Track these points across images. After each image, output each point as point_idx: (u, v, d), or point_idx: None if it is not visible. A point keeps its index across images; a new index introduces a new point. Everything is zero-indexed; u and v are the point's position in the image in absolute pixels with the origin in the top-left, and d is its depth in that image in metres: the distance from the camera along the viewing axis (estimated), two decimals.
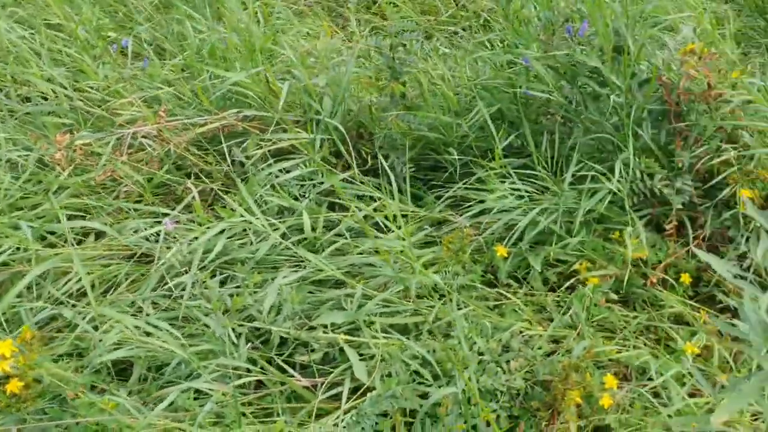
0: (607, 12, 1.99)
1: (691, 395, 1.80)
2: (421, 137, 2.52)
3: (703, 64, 2.02)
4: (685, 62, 2.03)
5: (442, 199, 2.37)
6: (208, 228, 2.15)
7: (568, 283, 2.11)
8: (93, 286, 2.02)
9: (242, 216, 2.09)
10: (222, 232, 2.16)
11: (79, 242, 2.23)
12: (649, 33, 2.17)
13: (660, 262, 2.10)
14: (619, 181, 2.11)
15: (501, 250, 2.06)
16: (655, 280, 2.06)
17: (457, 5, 3.48)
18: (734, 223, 2.12)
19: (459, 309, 1.93)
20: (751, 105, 2.14)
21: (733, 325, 1.32)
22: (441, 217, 2.33)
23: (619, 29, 2.02)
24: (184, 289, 2.03)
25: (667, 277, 2.08)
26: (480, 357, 1.86)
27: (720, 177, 2.09)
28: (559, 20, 2.10)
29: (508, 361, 1.86)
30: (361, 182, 2.42)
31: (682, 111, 2.09)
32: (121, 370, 1.89)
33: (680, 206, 2.13)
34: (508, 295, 2.04)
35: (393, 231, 2.07)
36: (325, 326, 1.89)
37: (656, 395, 1.83)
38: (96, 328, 1.85)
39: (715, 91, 2.04)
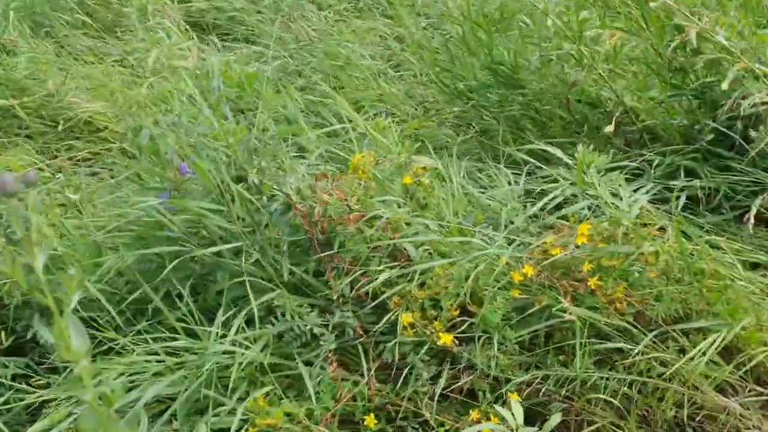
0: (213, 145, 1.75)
1: None
2: None
3: (338, 187, 1.82)
4: (318, 187, 1.82)
5: None
6: None
7: None
8: None
9: None
10: None
11: None
12: (282, 156, 1.95)
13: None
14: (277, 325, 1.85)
15: None
16: None
17: None
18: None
19: None
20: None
21: None
22: None
23: (235, 160, 1.78)
24: None
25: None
26: None
27: (382, 298, 1.88)
28: (174, 159, 1.84)
29: None
30: None
31: (329, 238, 1.88)
32: None
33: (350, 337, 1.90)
34: None
35: None
36: None
37: None
38: None
39: (356, 213, 1.85)
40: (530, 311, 2.03)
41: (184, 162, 1.80)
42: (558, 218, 2.31)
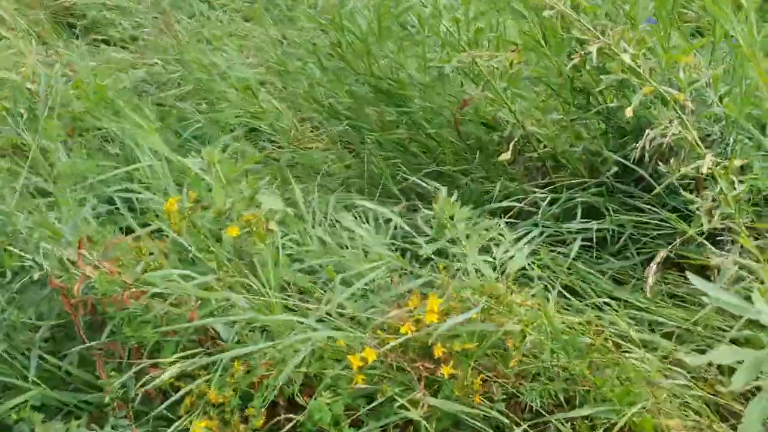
0: None
1: None
2: None
3: (104, 256, 1.39)
4: (81, 256, 1.39)
5: None
6: None
7: None
8: None
9: None
10: None
11: None
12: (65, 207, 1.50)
13: None
14: None
15: None
16: None
17: None
18: None
19: None
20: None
21: None
22: None
23: None
24: None
25: None
26: None
27: (173, 398, 1.46)
28: None
29: None
30: None
31: (104, 320, 1.45)
32: None
33: None
34: None
35: None
36: None
37: None
38: None
39: (137, 290, 1.42)
40: (381, 399, 1.64)
41: None
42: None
